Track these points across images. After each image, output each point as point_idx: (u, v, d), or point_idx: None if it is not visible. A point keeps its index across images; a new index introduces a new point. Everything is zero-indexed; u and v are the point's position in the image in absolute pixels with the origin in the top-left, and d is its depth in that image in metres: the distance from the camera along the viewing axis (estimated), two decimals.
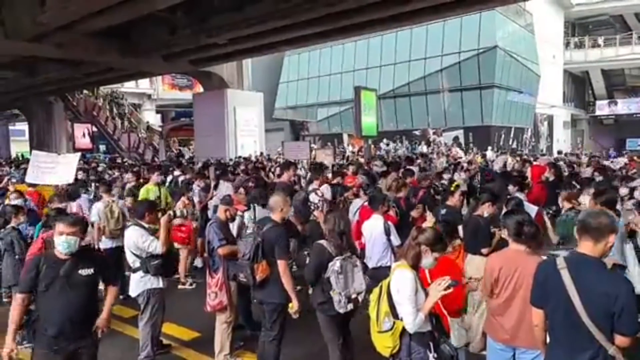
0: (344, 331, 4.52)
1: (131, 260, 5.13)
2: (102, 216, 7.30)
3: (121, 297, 7.94)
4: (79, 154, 11.59)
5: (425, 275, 3.80)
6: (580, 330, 2.73)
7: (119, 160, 24.29)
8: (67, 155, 11.20)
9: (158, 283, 5.13)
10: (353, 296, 4.22)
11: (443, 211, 6.47)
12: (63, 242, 3.67)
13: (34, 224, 6.70)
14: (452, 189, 7.21)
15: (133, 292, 5.17)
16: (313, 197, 7.52)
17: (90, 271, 3.78)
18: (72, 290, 3.69)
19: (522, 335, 3.52)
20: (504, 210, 5.35)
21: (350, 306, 4.21)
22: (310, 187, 8.04)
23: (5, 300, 7.08)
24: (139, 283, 5.10)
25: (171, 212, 5.39)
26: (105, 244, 7.29)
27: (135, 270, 5.11)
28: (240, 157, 20.42)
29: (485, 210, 5.72)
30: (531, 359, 3.53)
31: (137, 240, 5.02)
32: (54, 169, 9.64)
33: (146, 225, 5.21)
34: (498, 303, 3.67)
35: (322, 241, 4.42)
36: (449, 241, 4.26)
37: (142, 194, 8.67)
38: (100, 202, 7.62)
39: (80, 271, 3.73)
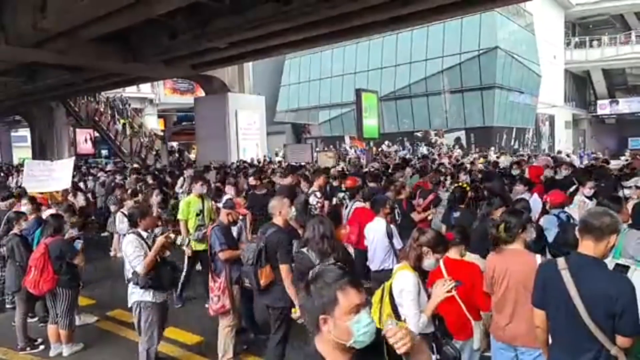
0: None
1: (126, 269, 4.98)
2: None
3: None
4: (73, 158, 11.60)
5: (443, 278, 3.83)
6: (581, 331, 2.72)
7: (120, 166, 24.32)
8: (62, 161, 11.14)
9: (148, 296, 4.86)
10: None
11: (456, 214, 6.37)
12: (366, 324, 1.80)
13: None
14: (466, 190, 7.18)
15: (128, 302, 5.04)
16: (313, 200, 7.46)
17: None
18: None
19: (517, 334, 3.56)
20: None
21: None
22: (310, 190, 7.94)
23: (8, 306, 7.09)
24: (131, 294, 4.95)
25: (171, 235, 5.10)
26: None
27: (129, 281, 4.96)
28: (241, 160, 20.42)
29: (498, 215, 5.71)
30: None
31: (127, 250, 4.83)
32: (50, 176, 9.60)
33: (144, 234, 5.00)
34: (495, 301, 3.73)
35: (304, 249, 4.32)
36: (465, 247, 4.23)
37: (182, 207, 7.55)
38: None
39: None
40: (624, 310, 2.59)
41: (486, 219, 5.80)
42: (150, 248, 4.85)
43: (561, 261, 2.87)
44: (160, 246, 4.83)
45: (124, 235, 7.30)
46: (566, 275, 2.78)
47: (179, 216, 7.46)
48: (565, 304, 2.76)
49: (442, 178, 10.25)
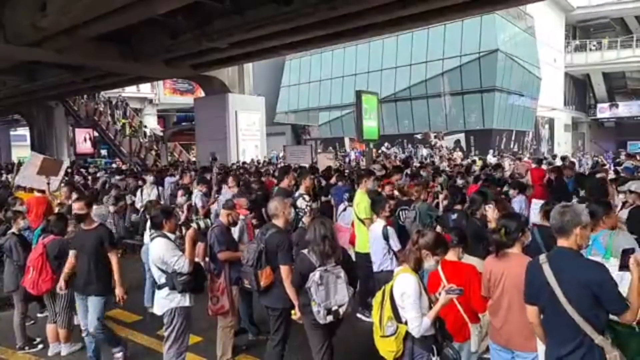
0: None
1: (157, 275, 4.66)
2: None
3: None
4: (65, 162, 11.54)
5: (441, 280, 3.88)
6: (565, 321, 2.84)
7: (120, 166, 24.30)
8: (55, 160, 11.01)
9: (185, 301, 4.64)
10: (334, 308, 4.06)
11: (454, 216, 6.34)
12: None
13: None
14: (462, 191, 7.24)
15: (158, 310, 4.71)
16: (300, 203, 7.35)
17: None
18: None
19: (510, 337, 3.59)
20: None
21: (329, 318, 4.06)
22: (297, 193, 7.79)
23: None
24: (164, 300, 4.62)
25: (195, 225, 4.87)
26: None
27: (160, 287, 4.63)
28: (242, 162, 20.39)
29: (483, 212, 5.72)
30: None
31: (164, 254, 4.53)
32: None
33: (172, 236, 4.75)
34: (491, 304, 3.77)
35: (305, 250, 4.28)
36: (463, 250, 4.24)
37: (357, 202, 6.81)
38: None
39: None
40: (602, 291, 2.73)
41: (471, 218, 5.84)
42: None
43: (542, 256, 3.05)
44: (192, 238, 4.65)
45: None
46: (547, 269, 2.94)
47: (363, 215, 6.64)
48: (550, 296, 2.90)
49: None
